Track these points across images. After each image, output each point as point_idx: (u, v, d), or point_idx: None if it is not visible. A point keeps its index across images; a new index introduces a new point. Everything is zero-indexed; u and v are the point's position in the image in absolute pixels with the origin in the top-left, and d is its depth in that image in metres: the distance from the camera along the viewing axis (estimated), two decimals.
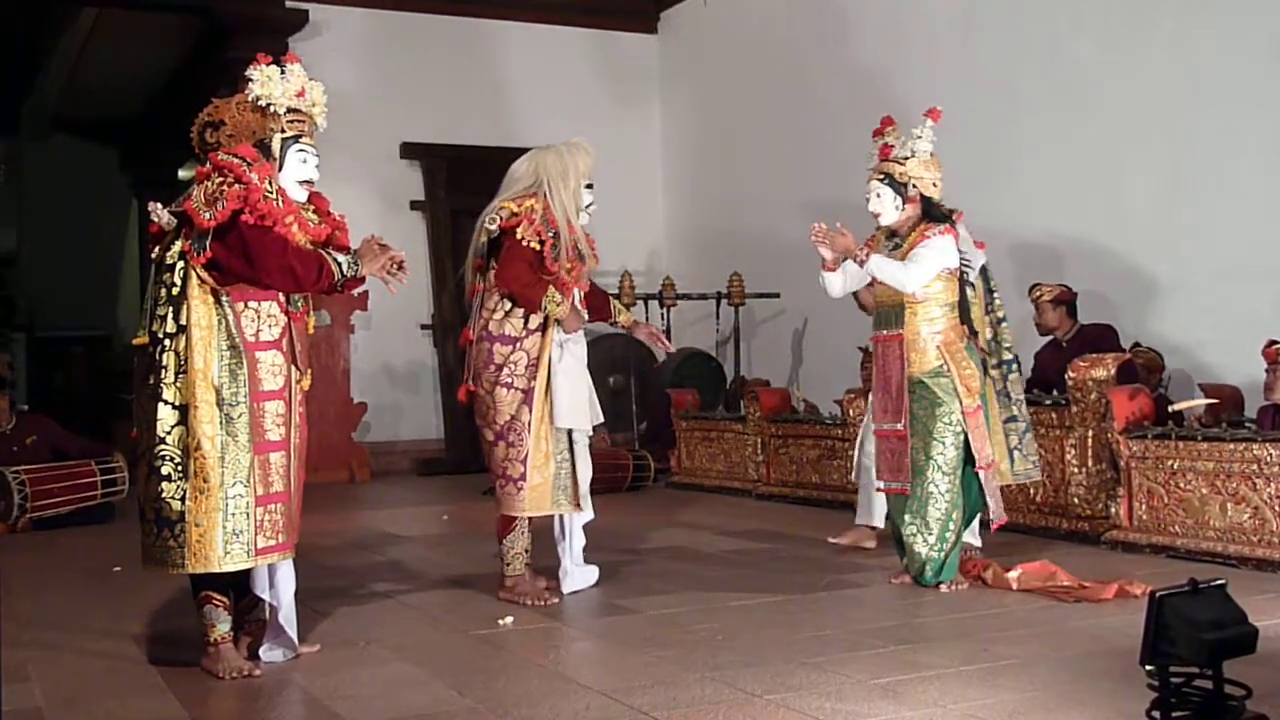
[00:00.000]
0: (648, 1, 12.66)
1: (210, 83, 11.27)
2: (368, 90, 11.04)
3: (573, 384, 5.03)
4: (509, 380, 4.91)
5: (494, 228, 4.93)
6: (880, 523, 6.02)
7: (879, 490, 5.39)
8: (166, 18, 11.83)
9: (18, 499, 7.72)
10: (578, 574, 5.21)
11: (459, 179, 11.48)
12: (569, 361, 5.04)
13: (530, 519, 5.04)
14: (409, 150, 11.68)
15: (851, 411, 7.43)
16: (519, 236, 4.87)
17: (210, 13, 11.15)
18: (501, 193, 5.05)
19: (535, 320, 4.94)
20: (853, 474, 6.67)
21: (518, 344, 4.92)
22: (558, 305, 4.90)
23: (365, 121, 10.81)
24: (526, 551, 5.07)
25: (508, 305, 4.94)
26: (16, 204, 18.27)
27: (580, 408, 5.04)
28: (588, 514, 5.18)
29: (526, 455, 4.89)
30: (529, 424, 4.90)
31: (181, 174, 15.53)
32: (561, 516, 5.13)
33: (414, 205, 11.67)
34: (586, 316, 5.17)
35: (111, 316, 18.61)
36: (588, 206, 5.09)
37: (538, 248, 4.88)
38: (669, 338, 11.12)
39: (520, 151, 5.22)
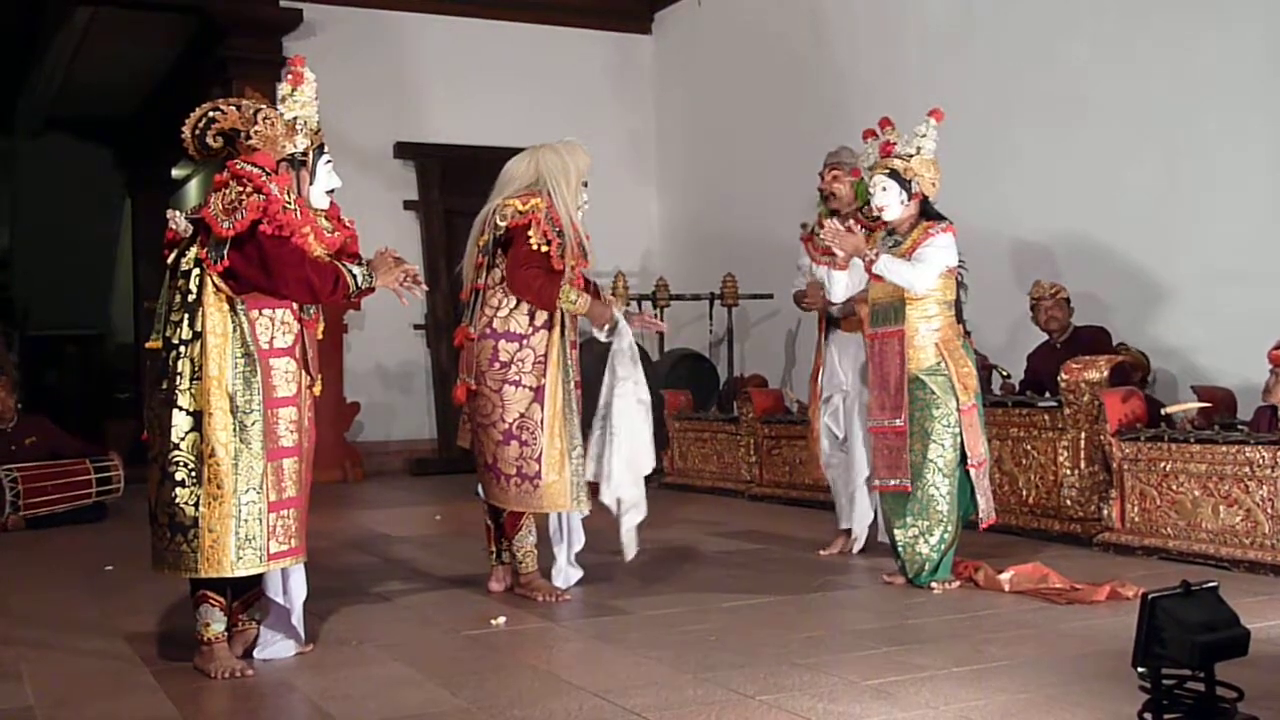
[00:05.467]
0: (641, 2, 12.67)
1: (204, 82, 11.30)
2: (361, 90, 11.01)
3: (630, 430, 4.94)
4: (516, 378, 4.88)
5: (503, 224, 4.91)
6: (849, 524, 6.01)
7: (875, 488, 5.38)
8: (161, 17, 11.81)
9: (9, 495, 7.66)
10: (571, 573, 5.23)
11: (453, 179, 11.47)
12: (626, 403, 4.95)
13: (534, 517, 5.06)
14: (403, 150, 11.68)
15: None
16: (529, 238, 4.84)
17: (204, 12, 11.16)
18: (499, 191, 5.02)
19: (541, 317, 4.92)
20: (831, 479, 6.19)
21: (524, 341, 4.90)
22: (573, 303, 4.88)
23: (359, 121, 10.80)
24: (536, 548, 5.09)
25: (512, 302, 4.91)
26: (10, 203, 18.24)
27: (639, 460, 4.96)
28: (585, 509, 5.14)
29: (541, 453, 4.87)
30: (542, 422, 4.87)
31: (175, 173, 15.52)
32: (560, 515, 5.13)
33: (408, 205, 11.66)
34: (619, 303, 5.10)
35: (104, 316, 18.59)
36: (582, 205, 5.08)
37: (546, 250, 4.85)
38: (662, 339, 11.17)
39: (514, 151, 5.18)
